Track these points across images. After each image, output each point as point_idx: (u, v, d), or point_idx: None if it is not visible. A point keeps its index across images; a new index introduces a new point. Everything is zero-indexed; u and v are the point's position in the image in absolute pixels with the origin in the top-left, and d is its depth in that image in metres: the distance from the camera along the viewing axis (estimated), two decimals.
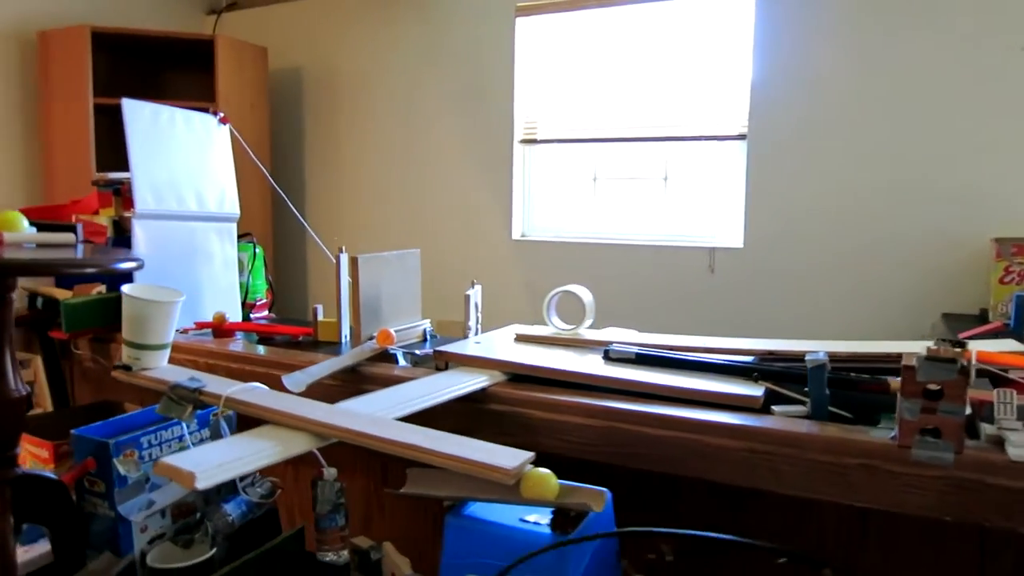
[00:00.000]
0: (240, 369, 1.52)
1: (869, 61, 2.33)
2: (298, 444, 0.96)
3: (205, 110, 1.90)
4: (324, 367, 1.36)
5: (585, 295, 1.45)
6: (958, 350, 0.89)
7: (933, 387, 0.91)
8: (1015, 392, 1.00)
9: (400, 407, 1.08)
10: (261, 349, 1.63)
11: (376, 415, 1.01)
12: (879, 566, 1.12)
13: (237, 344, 1.70)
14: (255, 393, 1.16)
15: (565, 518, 0.79)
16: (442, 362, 1.35)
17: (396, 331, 1.52)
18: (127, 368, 1.37)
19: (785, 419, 1.04)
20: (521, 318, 2.90)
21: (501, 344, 1.43)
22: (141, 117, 1.69)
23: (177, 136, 1.77)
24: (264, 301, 2.11)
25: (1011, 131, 2.18)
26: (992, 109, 2.19)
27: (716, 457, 1.04)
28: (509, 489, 0.82)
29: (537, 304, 2.90)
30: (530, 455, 0.84)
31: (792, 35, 2.42)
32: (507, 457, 0.82)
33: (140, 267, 1.20)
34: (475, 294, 1.56)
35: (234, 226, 1.95)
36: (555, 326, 1.44)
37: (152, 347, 1.38)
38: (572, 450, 1.16)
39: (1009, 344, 1.17)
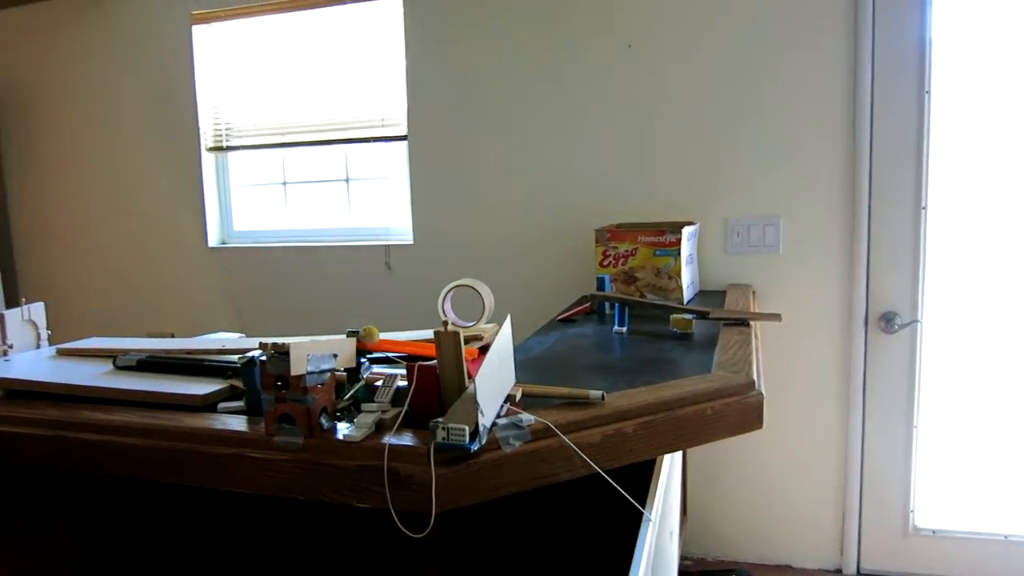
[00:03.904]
0: None
1: (507, 63, 2.48)
2: None
3: None
4: None
5: (484, 290, 1.36)
6: (281, 343, 0.97)
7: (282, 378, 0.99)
8: (397, 377, 1.11)
9: None
10: None
11: None
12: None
13: None
14: None
15: None
16: None
17: None
18: None
19: (188, 416, 1.10)
20: (222, 326, 2.91)
21: (28, 361, 1.41)
22: None
23: None
24: None
25: (628, 125, 2.38)
26: (611, 104, 2.39)
27: (133, 456, 1.08)
28: None
29: (237, 311, 2.96)
30: None
31: (439, 40, 2.55)
32: None
33: None
34: (27, 311, 1.53)
35: None
36: (450, 321, 1.36)
37: None
38: (32, 460, 1.17)
39: (425, 334, 1.29)
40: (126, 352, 1.39)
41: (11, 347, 1.49)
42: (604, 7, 2.36)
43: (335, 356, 1.03)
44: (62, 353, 1.48)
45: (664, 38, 2.31)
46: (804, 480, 2.36)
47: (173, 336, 3.31)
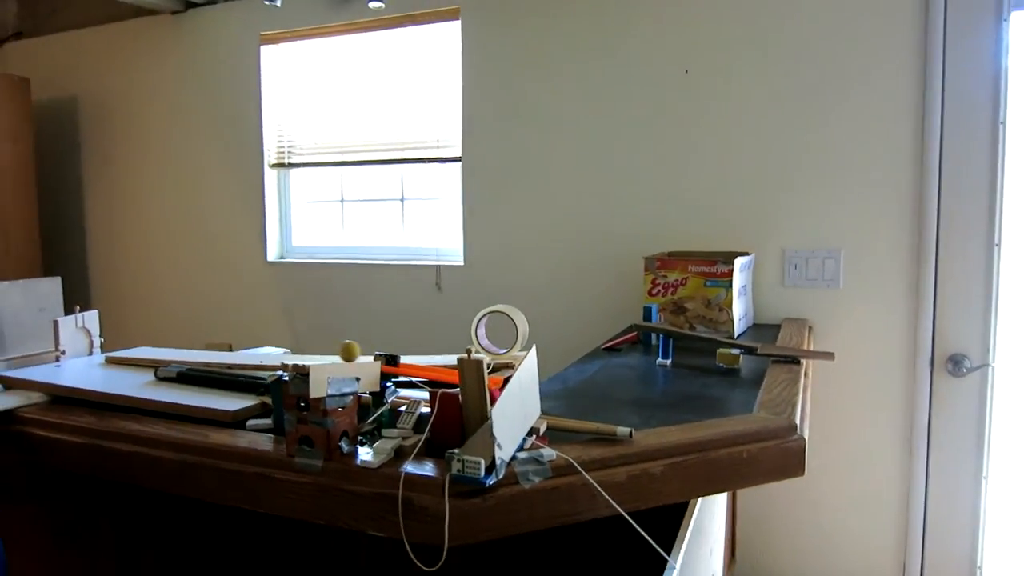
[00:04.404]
0: None
1: (562, 88, 2.47)
2: None
3: None
4: None
5: (518, 316, 1.34)
6: (303, 365, 0.96)
7: (304, 399, 0.98)
8: (421, 403, 1.09)
9: None
10: None
11: None
12: None
13: None
14: None
15: None
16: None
17: (24, 356, 1.55)
18: None
19: (216, 432, 1.10)
20: (278, 340, 2.96)
21: (77, 368, 1.46)
22: None
23: None
24: None
25: (682, 151, 2.33)
26: (665, 130, 2.34)
27: (162, 469, 1.09)
28: None
29: (292, 325, 3.01)
30: None
31: (494, 62, 2.56)
32: None
33: None
34: (80, 319, 1.58)
35: None
36: (483, 348, 1.36)
37: None
38: (69, 465, 1.20)
39: (447, 359, 1.27)
40: (168, 363, 1.42)
41: (63, 353, 1.55)
42: (661, 32, 2.32)
43: (357, 380, 1.02)
44: (111, 361, 1.52)
45: (723, 63, 2.26)
46: (862, 528, 2.24)
47: (231, 348, 3.39)
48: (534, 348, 1.06)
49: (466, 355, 1.00)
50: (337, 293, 2.87)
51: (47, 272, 3.23)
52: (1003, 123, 1.99)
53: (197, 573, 1.43)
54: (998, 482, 2.14)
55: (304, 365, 0.96)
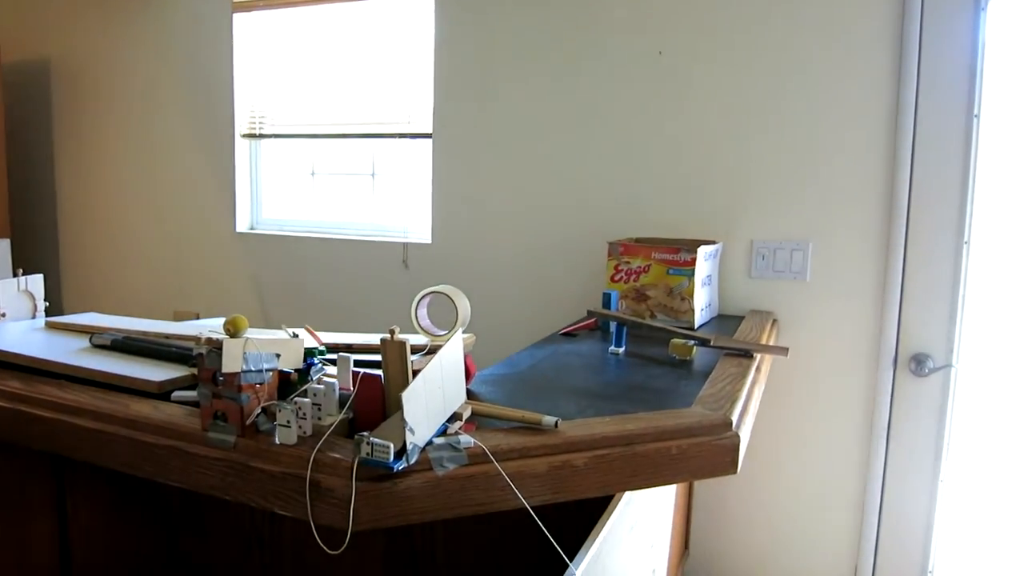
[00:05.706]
0: None
1: (534, 67, 2.42)
2: None
3: None
4: None
5: (459, 298, 1.25)
6: (219, 340, 0.94)
7: (221, 374, 0.96)
8: (340, 381, 1.06)
9: None
10: None
11: None
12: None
13: None
14: None
15: None
16: None
17: None
18: None
19: (136, 402, 1.08)
20: (247, 311, 2.93)
21: (15, 331, 1.43)
22: None
23: None
24: None
25: (655, 136, 2.29)
26: (638, 114, 2.30)
27: (81, 438, 1.07)
28: None
29: (262, 297, 2.98)
30: None
31: (468, 40, 2.51)
32: None
33: None
34: (23, 282, 1.55)
35: None
36: (423, 329, 1.26)
37: None
38: None
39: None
40: (107, 331, 1.40)
41: (3, 315, 1.52)
42: (637, 13, 2.27)
43: (278, 356, 1.00)
44: (51, 326, 1.49)
45: (697, 47, 2.21)
46: (816, 525, 2.24)
47: (199, 317, 3.34)
48: (459, 332, 1.04)
49: (389, 336, 0.98)
50: (305, 266, 2.84)
51: (14, 235, 3.18)
52: (977, 116, 1.95)
53: (139, 528, 1.41)
54: (953, 486, 2.14)
55: (219, 338, 0.93)
